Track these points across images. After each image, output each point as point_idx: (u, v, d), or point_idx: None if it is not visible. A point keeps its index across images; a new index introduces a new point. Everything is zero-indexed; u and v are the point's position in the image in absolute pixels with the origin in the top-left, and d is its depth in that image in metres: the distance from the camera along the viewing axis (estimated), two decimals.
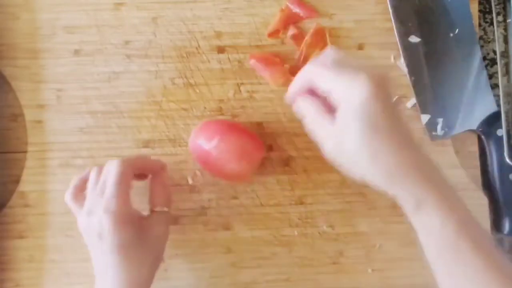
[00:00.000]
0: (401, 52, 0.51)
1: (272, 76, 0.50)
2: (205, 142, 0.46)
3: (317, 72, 0.38)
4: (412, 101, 0.51)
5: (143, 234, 0.42)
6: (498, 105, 0.51)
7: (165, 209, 0.45)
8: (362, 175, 0.37)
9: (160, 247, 0.44)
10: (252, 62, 0.51)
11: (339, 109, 0.36)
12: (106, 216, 0.40)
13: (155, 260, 0.43)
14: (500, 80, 0.51)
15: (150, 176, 0.46)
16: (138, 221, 0.43)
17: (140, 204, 0.45)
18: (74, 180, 0.45)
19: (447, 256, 0.35)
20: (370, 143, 0.35)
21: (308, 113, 0.40)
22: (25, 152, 0.50)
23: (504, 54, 0.53)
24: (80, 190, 0.44)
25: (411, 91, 0.51)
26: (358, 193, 0.50)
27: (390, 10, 0.51)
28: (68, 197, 0.44)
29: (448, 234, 0.35)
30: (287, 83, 0.51)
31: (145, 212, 0.45)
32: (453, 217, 0.35)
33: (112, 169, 0.42)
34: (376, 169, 0.36)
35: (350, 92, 0.35)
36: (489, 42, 0.53)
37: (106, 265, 0.41)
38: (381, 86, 0.35)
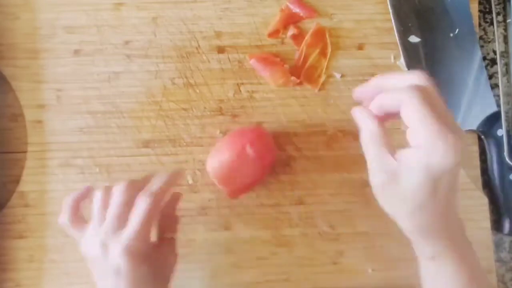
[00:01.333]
0: (401, 52, 0.51)
1: (272, 76, 0.50)
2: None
3: (416, 101, 0.34)
4: None
5: (157, 266, 0.41)
6: (498, 105, 0.51)
7: (174, 236, 0.44)
8: (393, 215, 0.38)
9: (171, 275, 0.43)
10: (252, 62, 0.51)
11: (408, 154, 0.35)
12: (126, 255, 0.38)
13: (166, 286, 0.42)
14: (500, 80, 0.51)
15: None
16: (153, 254, 0.42)
17: None
18: (68, 203, 0.41)
19: None
20: (415, 202, 0.35)
21: (371, 135, 0.37)
22: (25, 152, 0.50)
23: (504, 54, 0.53)
24: (76, 212, 0.42)
25: None
26: (358, 193, 0.50)
27: (390, 10, 0.51)
28: (65, 221, 0.41)
29: (458, 282, 0.37)
30: (287, 83, 0.51)
31: (152, 238, 0.44)
32: (464, 268, 0.37)
33: (140, 205, 0.39)
34: (408, 221, 0.37)
35: (432, 149, 0.33)
36: (489, 42, 0.53)
37: None
38: (457, 161, 0.34)
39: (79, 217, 0.42)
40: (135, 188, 0.40)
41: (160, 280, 0.41)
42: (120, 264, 0.38)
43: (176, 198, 0.46)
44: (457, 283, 0.37)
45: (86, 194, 0.42)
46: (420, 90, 0.34)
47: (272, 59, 0.51)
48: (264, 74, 0.51)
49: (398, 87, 0.35)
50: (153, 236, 0.43)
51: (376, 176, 0.37)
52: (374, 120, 0.36)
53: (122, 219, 0.39)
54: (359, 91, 0.39)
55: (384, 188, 0.36)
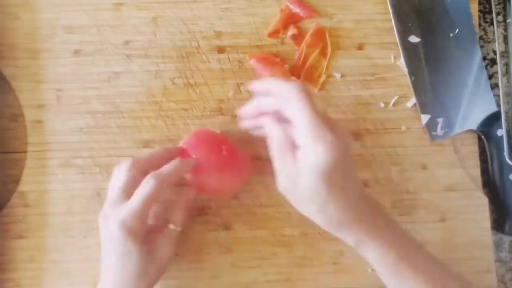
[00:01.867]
0: (401, 52, 0.51)
1: (272, 76, 0.50)
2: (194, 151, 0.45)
3: (301, 104, 0.39)
4: (412, 101, 0.51)
5: (149, 249, 0.42)
6: (498, 105, 0.51)
7: (179, 229, 0.44)
8: (307, 215, 0.41)
9: (163, 263, 0.43)
10: (252, 62, 0.51)
11: (301, 155, 0.39)
12: (120, 227, 0.40)
13: (155, 275, 0.43)
14: (500, 80, 0.51)
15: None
16: (148, 235, 0.43)
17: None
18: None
19: (390, 278, 0.41)
20: (319, 198, 0.38)
21: (274, 141, 0.41)
22: (25, 152, 0.50)
23: (504, 54, 0.53)
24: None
25: (411, 91, 0.51)
26: None
27: (390, 10, 0.52)
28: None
29: (388, 262, 0.40)
30: None
31: (149, 221, 0.44)
32: (391, 248, 0.40)
33: (145, 185, 0.41)
34: (319, 219, 0.40)
35: (315, 149, 0.38)
36: (489, 42, 0.53)
37: (111, 265, 0.41)
38: (341, 155, 0.38)
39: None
40: (141, 165, 0.42)
41: (149, 264, 0.42)
42: (114, 235, 0.40)
43: (191, 194, 0.46)
44: (385, 263, 0.40)
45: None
46: (306, 92, 0.39)
47: (272, 59, 0.51)
48: (264, 74, 0.51)
49: (284, 89, 0.40)
50: (150, 220, 0.44)
51: (280, 180, 0.40)
52: (280, 128, 0.40)
53: (125, 195, 0.41)
54: (253, 86, 0.43)
55: (288, 192, 0.40)
